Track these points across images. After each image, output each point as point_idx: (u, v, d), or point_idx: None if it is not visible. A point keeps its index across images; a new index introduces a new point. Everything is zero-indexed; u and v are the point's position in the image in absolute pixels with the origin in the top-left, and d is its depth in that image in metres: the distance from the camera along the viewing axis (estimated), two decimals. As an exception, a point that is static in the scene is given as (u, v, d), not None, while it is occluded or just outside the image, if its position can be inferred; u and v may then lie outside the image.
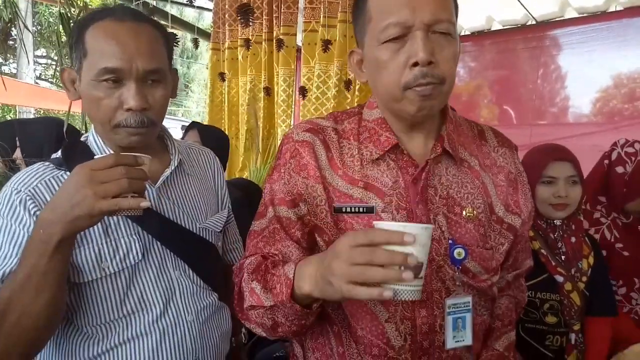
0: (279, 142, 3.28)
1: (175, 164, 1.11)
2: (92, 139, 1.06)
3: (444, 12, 0.84)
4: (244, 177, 3.44)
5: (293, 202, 0.93)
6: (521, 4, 3.37)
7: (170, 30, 3.25)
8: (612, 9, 3.23)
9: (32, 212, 0.94)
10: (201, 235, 1.13)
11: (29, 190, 0.95)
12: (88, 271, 0.97)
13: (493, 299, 1.00)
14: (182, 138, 2.36)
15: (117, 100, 0.95)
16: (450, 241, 0.90)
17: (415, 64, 0.82)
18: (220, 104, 3.71)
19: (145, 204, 0.82)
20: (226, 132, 3.65)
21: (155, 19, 1.08)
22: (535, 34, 3.57)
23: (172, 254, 1.06)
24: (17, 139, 1.66)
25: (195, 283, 1.10)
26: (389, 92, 0.88)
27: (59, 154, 1.05)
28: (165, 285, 1.05)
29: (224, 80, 3.59)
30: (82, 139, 1.09)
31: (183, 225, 1.09)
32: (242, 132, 3.58)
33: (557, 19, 3.48)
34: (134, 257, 1.00)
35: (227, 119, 3.67)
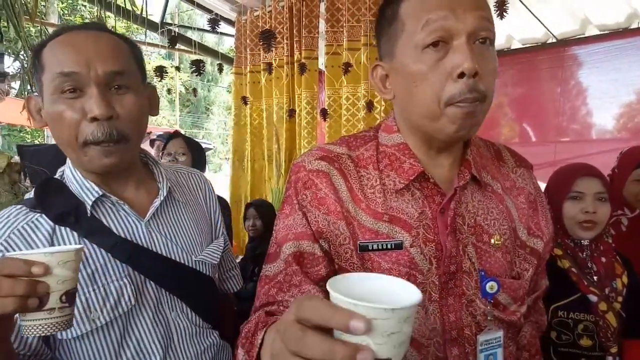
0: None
1: (165, 193, 0.99)
2: (70, 172, 0.93)
3: (487, 15, 0.75)
4: (263, 198, 3.48)
5: (314, 236, 0.82)
6: (541, 23, 3.38)
7: (195, 56, 3.34)
8: (634, 25, 3.21)
9: None
10: (198, 269, 1.01)
11: (2, 244, 0.84)
12: (76, 325, 0.84)
13: (519, 329, 0.94)
14: (163, 149, 2.42)
15: (79, 111, 0.83)
16: (481, 273, 0.83)
17: (461, 75, 0.73)
18: (245, 126, 3.79)
19: None
20: (250, 154, 3.72)
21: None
22: (556, 53, 3.57)
23: (167, 293, 0.95)
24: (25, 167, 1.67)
25: (194, 323, 0.99)
26: (426, 108, 0.77)
27: (32, 193, 0.92)
28: (163, 330, 0.94)
29: (246, 103, 3.67)
30: (58, 173, 0.96)
31: (177, 260, 0.98)
32: (264, 154, 3.62)
33: (578, 37, 3.47)
34: (126, 303, 0.88)
35: (250, 142, 3.74)
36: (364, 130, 0.97)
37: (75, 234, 0.88)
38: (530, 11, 3.25)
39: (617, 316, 1.40)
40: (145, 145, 3.77)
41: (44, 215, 0.88)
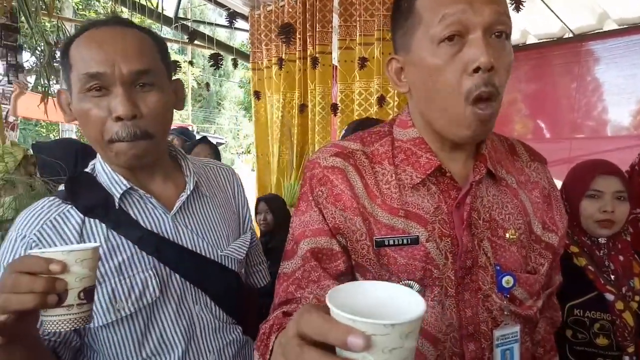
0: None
1: (192, 187, 1.00)
2: (100, 166, 0.96)
3: (503, 9, 0.75)
4: (277, 193, 3.49)
5: (331, 232, 0.83)
6: (558, 17, 3.33)
7: (210, 51, 3.35)
8: (654, 19, 3.15)
9: None
10: (223, 263, 1.02)
11: (35, 235, 0.87)
12: (102, 314, 0.87)
13: (535, 324, 0.94)
14: (189, 151, 2.52)
15: (105, 109, 0.86)
16: (497, 268, 0.83)
17: (477, 70, 0.73)
18: (265, 122, 3.80)
19: None
20: (272, 149, 3.74)
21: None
22: (573, 48, 3.51)
23: (192, 286, 0.96)
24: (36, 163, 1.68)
25: (217, 318, 1.00)
26: (446, 103, 0.77)
27: (64, 186, 0.96)
28: (186, 323, 0.95)
29: (259, 98, 3.67)
30: (89, 167, 0.99)
31: (203, 254, 0.99)
32: (276, 149, 3.63)
33: (595, 32, 3.41)
34: (150, 295, 0.90)
35: (271, 137, 3.75)
36: (377, 125, 0.96)
37: (103, 226, 0.91)
38: (546, 5, 3.20)
39: (634, 315, 1.39)
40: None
41: (74, 207, 0.91)
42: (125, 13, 3.36)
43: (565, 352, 1.41)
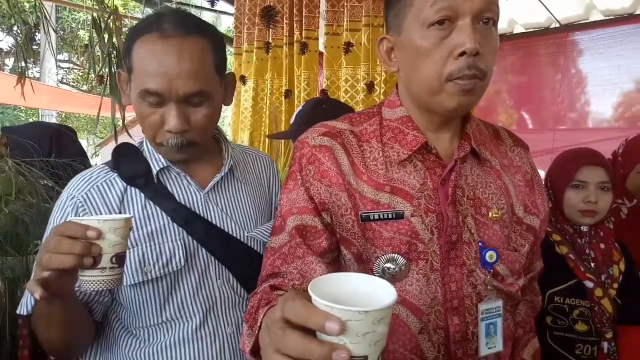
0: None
1: (227, 169, 1.09)
2: (145, 144, 1.06)
3: None
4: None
5: (316, 210, 0.86)
6: (545, 7, 3.33)
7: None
8: (639, 11, 3.17)
9: None
10: (248, 244, 1.09)
11: (82, 196, 0.98)
12: (131, 275, 0.96)
13: (517, 303, 0.97)
14: None
15: (159, 118, 0.95)
16: (480, 244, 0.87)
17: (462, 54, 0.76)
18: (246, 109, 3.73)
19: (37, 294, 0.74)
20: (250, 135, 3.68)
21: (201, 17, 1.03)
22: (559, 38, 3.53)
23: (216, 261, 1.04)
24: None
25: (237, 294, 1.07)
26: (427, 83, 0.81)
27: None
28: (206, 294, 1.03)
29: (244, 83, 3.62)
30: (137, 142, 1.10)
31: (230, 232, 1.06)
32: (263, 134, 3.59)
33: (582, 22, 3.43)
34: (176, 263, 0.99)
35: (251, 123, 3.69)
36: (367, 108, 1.00)
37: (142, 195, 1.01)
38: (534, -6, 3.21)
39: (613, 302, 1.41)
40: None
41: (118, 177, 1.01)
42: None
43: (545, 338, 1.43)
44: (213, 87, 0.99)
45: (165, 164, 1.03)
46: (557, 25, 3.53)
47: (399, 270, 0.84)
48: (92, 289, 0.79)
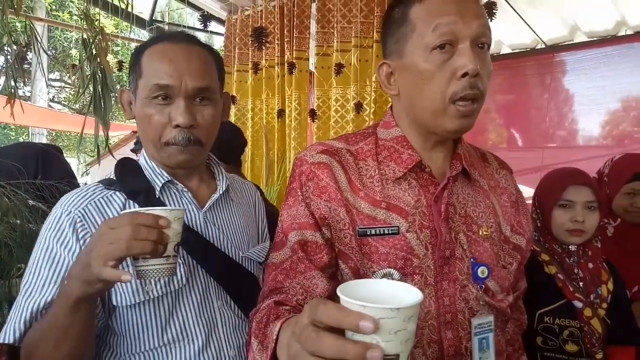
0: (289, 164, 3.32)
1: (224, 188, 1.11)
2: (145, 161, 1.06)
3: (487, 23, 0.85)
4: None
5: (317, 225, 0.89)
6: (530, 28, 3.40)
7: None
8: (622, 32, 3.25)
9: (80, 236, 0.93)
10: (244, 265, 1.10)
11: (79, 212, 0.95)
12: (131, 294, 0.94)
13: (507, 320, 0.99)
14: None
15: (166, 116, 0.97)
16: (472, 260, 0.89)
17: (464, 75, 0.81)
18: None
19: (125, 277, 0.74)
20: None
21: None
22: (545, 59, 3.59)
23: (215, 282, 1.03)
24: None
25: (237, 315, 1.06)
26: (431, 103, 0.85)
27: (110, 174, 1.04)
28: (208, 316, 1.02)
29: (234, 103, 3.63)
30: (135, 159, 1.10)
31: (227, 253, 1.06)
32: (249, 154, 3.59)
33: (567, 43, 3.50)
34: (178, 282, 0.98)
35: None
36: (359, 129, 1.05)
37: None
38: (520, 16, 3.27)
39: (602, 322, 1.41)
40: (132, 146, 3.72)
41: (117, 193, 1.00)
42: (99, 14, 3.28)
43: (536, 359, 1.42)
44: (216, 91, 1.03)
45: (168, 178, 1.03)
46: (543, 46, 3.60)
47: None
48: (157, 277, 0.81)
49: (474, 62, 0.80)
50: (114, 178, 1.03)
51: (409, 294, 0.56)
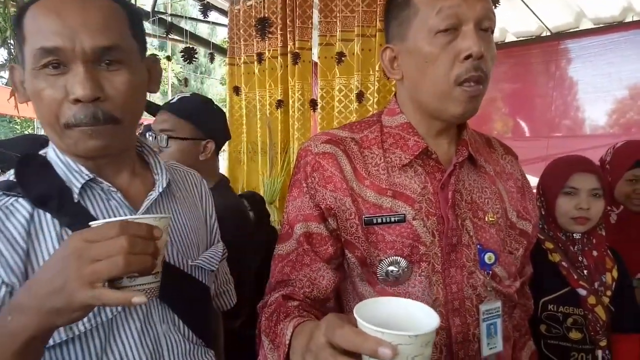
0: (293, 155, 3.32)
1: (164, 185, 0.88)
2: (54, 154, 0.82)
3: (490, 7, 0.84)
4: (255, 191, 3.44)
5: (322, 217, 0.89)
6: (535, 16, 3.36)
7: (186, 45, 3.29)
8: (628, 19, 3.21)
9: None
10: (193, 274, 0.90)
11: None
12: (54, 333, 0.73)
13: (514, 305, 1.00)
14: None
15: (62, 89, 0.73)
16: (478, 246, 0.89)
17: (468, 57, 0.81)
18: (240, 118, 3.74)
19: (138, 299, 0.61)
20: (244, 146, 3.65)
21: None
22: (550, 46, 3.55)
23: (158, 301, 0.83)
24: None
25: (187, 339, 0.87)
26: (436, 86, 0.84)
27: (8, 175, 0.80)
28: (152, 345, 0.81)
29: (239, 94, 3.62)
30: (42, 152, 0.85)
31: (172, 263, 0.86)
32: (258, 146, 3.59)
33: (572, 30, 3.46)
34: (110, 309, 0.77)
35: (246, 134, 3.70)
36: (366, 117, 1.03)
37: (56, 222, 0.76)
38: (524, 3, 3.23)
39: (606, 310, 1.41)
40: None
41: (20, 199, 0.76)
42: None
43: (540, 347, 1.43)
44: (131, 51, 0.80)
45: (89, 176, 0.80)
46: (548, 33, 3.56)
47: (402, 272, 0.86)
48: (143, 300, 0.63)
49: (478, 44, 0.79)
50: (14, 180, 0.78)
51: (424, 315, 0.56)
